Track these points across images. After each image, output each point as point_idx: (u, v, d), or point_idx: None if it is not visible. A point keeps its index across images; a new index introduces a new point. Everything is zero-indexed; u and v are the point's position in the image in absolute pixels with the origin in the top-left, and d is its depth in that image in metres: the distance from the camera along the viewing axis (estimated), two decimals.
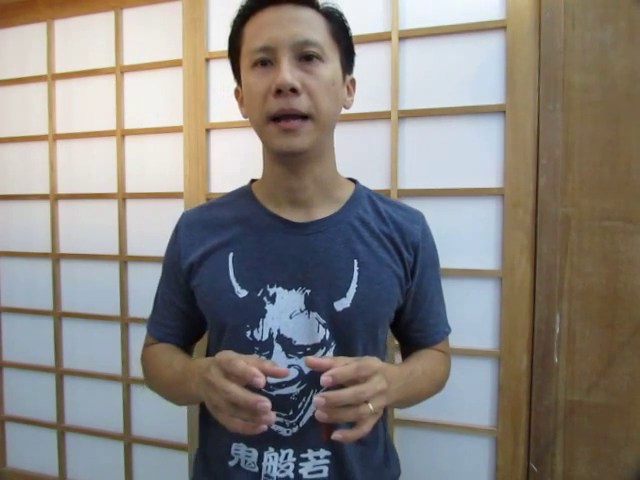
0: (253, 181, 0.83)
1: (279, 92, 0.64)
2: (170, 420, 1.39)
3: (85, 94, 1.45)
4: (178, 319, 0.82)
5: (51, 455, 1.55)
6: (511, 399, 1.09)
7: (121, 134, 1.41)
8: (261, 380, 0.55)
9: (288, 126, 0.65)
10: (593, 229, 1.05)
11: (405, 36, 1.13)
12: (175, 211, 1.35)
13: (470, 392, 1.13)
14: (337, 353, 0.71)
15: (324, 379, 0.56)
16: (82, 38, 1.44)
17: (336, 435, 0.58)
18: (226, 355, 0.59)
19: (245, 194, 0.80)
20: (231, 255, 0.73)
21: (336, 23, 0.71)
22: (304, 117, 0.66)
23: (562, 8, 1.03)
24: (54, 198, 1.49)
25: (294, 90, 0.64)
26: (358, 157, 1.18)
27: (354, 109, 1.18)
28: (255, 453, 0.72)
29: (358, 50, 1.17)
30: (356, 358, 0.62)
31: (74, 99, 1.46)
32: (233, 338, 0.72)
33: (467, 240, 1.12)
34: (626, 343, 1.03)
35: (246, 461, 0.73)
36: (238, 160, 1.28)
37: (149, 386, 0.83)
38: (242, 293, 0.71)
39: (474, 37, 1.09)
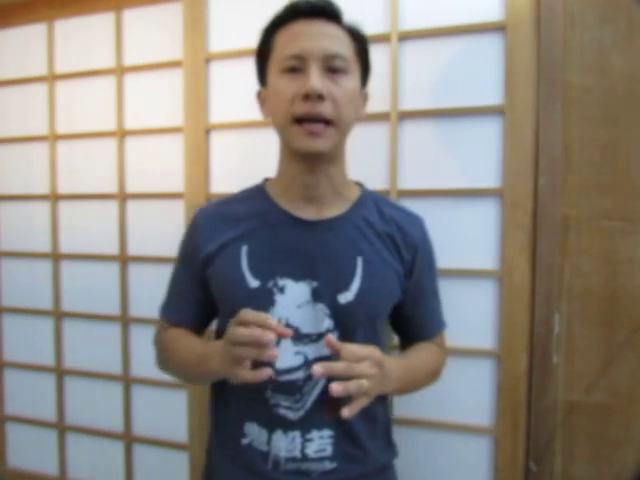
0: (266, 180, 0.88)
1: (307, 97, 0.70)
2: (170, 420, 1.39)
3: (86, 94, 1.45)
4: (192, 304, 0.87)
5: (51, 455, 1.55)
6: (510, 399, 1.09)
7: (121, 134, 1.41)
8: (272, 322, 0.62)
9: (313, 129, 0.72)
10: (592, 229, 1.05)
11: (405, 36, 1.13)
12: (175, 211, 1.37)
13: (469, 392, 1.14)
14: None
15: (316, 369, 0.63)
16: (82, 38, 1.44)
17: (344, 412, 0.64)
18: (236, 316, 0.66)
19: (260, 191, 0.85)
20: (245, 248, 0.79)
21: (359, 42, 0.79)
22: (327, 122, 0.73)
23: (561, 8, 1.03)
24: (54, 198, 1.49)
25: (321, 96, 0.70)
26: (358, 157, 1.18)
27: None
28: (265, 434, 0.78)
29: None
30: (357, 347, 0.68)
31: (74, 99, 1.46)
32: None
33: (466, 240, 1.12)
34: (625, 343, 1.03)
35: (257, 440, 0.79)
36: (238, 160, 1.28)
37: (162, 367, 0.89)
38: (254, 283, 0.77)
39: (473, 37, 1.09)
